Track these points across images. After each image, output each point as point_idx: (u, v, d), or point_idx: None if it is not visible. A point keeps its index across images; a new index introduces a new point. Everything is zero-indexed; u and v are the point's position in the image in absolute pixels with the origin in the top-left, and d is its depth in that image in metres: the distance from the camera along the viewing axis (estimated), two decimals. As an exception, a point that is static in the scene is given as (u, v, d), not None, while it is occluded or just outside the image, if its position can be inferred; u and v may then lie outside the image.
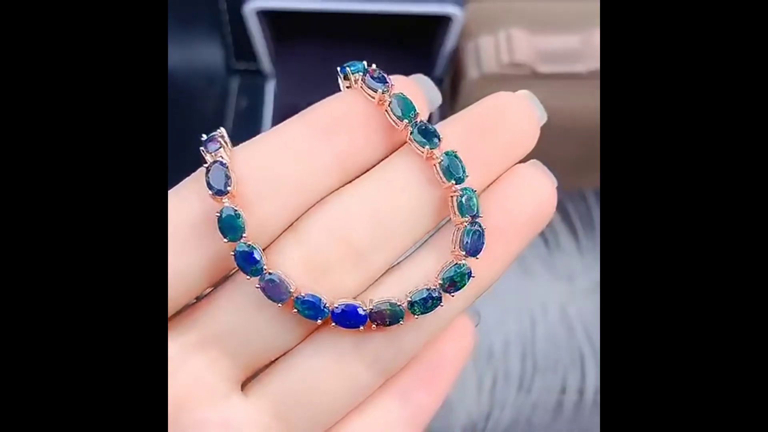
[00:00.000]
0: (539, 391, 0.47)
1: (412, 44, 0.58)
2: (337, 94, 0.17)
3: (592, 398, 0.47)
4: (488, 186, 0.17)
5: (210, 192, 0.15)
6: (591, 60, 0.49)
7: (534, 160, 0.18)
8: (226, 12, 0.56)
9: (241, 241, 0.15)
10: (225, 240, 0.15)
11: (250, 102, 0.61)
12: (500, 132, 0.17)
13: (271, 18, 0.54)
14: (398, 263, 0.17)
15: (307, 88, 0.58)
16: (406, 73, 0.18)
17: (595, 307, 0.49)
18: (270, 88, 0.59)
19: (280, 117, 0.57)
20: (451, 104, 0.55)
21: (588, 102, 0.49)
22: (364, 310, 0.16)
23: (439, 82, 0.59)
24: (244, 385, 0.17)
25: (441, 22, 0.51)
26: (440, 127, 0.17)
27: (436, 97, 0.18)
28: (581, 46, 0.49)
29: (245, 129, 0.59)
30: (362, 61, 0.17)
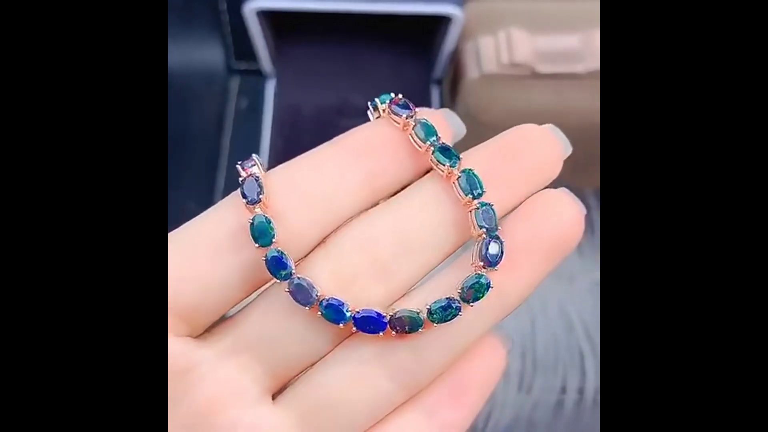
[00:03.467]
0: (539, 391, 0.47)
1: (412, 44, 0.58)
2: (367, 123, 0.18)
3: (592, 397, 0.47)
4: (513, 209, 0.18)
5: (244, 201, 0.16)
6: (591, 60, 0.49)
7: (563, 188, 0.18)
8: (226, 12, 0.56)
9: (272, 247, 0.16)
10: (257, 245, 0.16)
11: (250, 102, 0.61)
12: (524, 157, 0.17)
13: (271, 18, 0.54)
14: (424, 281, 0.17)
15: (307, 88, 0.58)
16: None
17: (595, 307, 0.49)
18: (270, 88, 0.59)
19: (280, 117, 0.58)
20: (451, 104, 0.55)
21: (588, 102, 0.49)
22: (384, 316, 0.16)
23: (438, 83, 0.59)
24: (275, 396, 0.17)
25: (441, 22, 0.51)
26: (467, 153, 0.18)
27: (460, 128, 0.19)
28: (581, 46, 0.49)
29: (245, 129, 0.59)
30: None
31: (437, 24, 0.53)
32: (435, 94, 0.58)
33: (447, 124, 0.18)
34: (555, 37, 0.49)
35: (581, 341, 0.48)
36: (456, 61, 0.53)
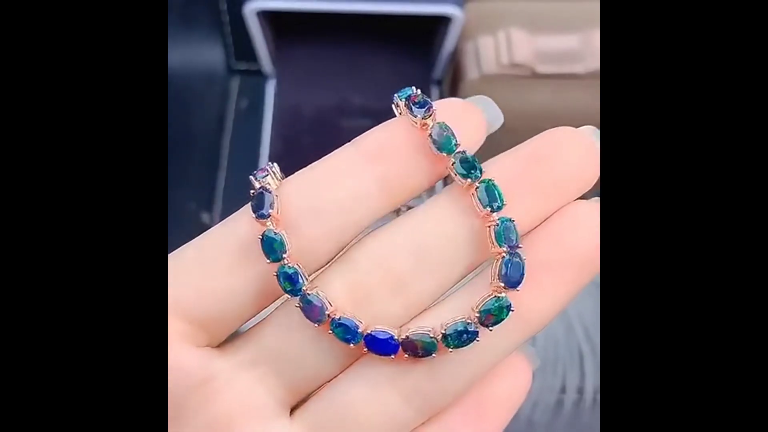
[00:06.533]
0: (539, 390, 0.47)
1: (412, 44, 0.58)
2: (386, 122, 0.17)
3: (591, 397, 0.47)
4: (543, 220, 0.17)
5: (254, 215, 0.16)
6: (591, 60, 0.49)
7: (597, 198, 0.17)
8: (226, 12, 0.56)
9: (284, 261, 0.16)
10: (268, 261, 0.16)
11: (250, 102, 0.61)
12: (555, 163, 0.16)
13: (271, 18, 0.54)
14: (445, 297, 0.17)
15: (307, 88, 0.58)
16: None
17: (594, 307, 0.49)
18: (270, 88, 0.59)
19: (280, 117, 0.58)
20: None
21: (588, 102, 0.49)
22: (396, 339, 0.16)
23: (438, 83, 0.59)
24: (293, 410, 0.17)
25: (441, 22, 0.52)
26: (492, 161, 0.17)
27: (497, 117, 0.18)
28: (581, 46, 0.49)
29: (245, 129, 0.59)
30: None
31: (437, 24, 0.53)
32: (435, 94, 0.58)
33: (481, 115, 0.17)
34: (555, 37, 0.49)
35: (581, 341, 0.48)
36: (456, 62, 0.53)
